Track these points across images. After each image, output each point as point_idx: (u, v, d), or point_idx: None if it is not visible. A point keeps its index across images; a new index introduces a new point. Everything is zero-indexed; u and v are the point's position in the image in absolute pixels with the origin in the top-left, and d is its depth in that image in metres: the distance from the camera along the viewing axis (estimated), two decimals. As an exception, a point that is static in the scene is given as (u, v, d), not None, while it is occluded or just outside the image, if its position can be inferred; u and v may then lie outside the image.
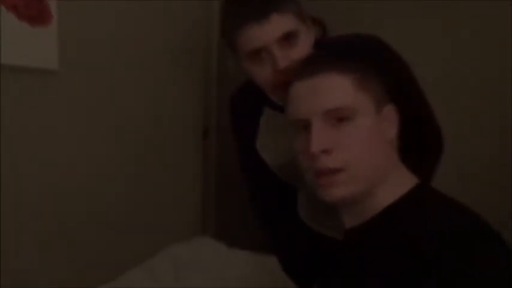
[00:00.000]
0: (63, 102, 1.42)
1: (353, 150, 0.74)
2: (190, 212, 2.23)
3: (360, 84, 0.76)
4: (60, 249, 1.44)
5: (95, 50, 1.52)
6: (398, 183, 0.78)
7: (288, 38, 0.90)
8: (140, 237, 1.82)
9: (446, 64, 2.03)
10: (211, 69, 2.33)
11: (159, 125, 1.90)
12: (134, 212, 1.78)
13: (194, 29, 2.13)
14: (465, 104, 1.99)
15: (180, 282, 1.66)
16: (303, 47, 0.93)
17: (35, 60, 1.30)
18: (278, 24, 0.89)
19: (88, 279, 1.54)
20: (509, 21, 1.92)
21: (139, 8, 1.71)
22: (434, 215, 0.73)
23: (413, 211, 0.74)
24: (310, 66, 0.80)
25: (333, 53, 0.86)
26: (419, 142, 1.01)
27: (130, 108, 1.72)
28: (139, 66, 1.75)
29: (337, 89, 0.75)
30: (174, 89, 1.98)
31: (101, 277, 1.57)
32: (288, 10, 0.89)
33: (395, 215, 0.75)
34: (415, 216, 0.73)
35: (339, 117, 0.74)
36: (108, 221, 1.64)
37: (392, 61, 1.01)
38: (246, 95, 1.11)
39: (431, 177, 1.04)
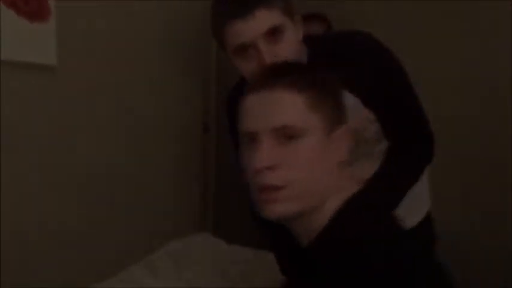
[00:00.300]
0: (61, 98, 1.41)
1: (297, 170, 0.74)
2: (189, 208, 2.23)
3: (313, 104, 0.75)
4: (60, 246, 1.44)
5: (93, 46, 1.52)
6: (343, 197, 0.79)
7: (274, 33, 0.91)
8: (140, 234, 1.82)
9: (447, 64, 2.03)
10: (211, 67, 2.32)
11: (158, 121, 1.89)
12: (134, 208, 1.77)
13: (194, 27, 2.12)
14: (465, 104, 1.99)
15: (180, 279, 1.66)
16: (289, 43, 0.94)
17: (34, 56, 1.29)
18: (263, 19, 0.90)
19: (88, 276, 1.54)
20: (510, 21, 1.92)
21: (139, 4, 1.70)
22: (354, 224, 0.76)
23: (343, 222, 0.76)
24: (265, 80, 0.78)
25: (294, 68, 0.84)
26: (406, 143, 1.03)
27: (129, 105, 1.71)
28: (139, 62, 1.75)
29: (288, 107, 0.74)
30: (174, 86, 1.98)
31: (101, 273, 1.57)
32: (273, 5, 0.90)
33: (337, 227, 0.76)
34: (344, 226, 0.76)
35: (288, 135, 0.74)
36: (107, 217, 1.64)
37: (380, 61, 1.02)
38: (240, 92, 1.12)
39: (416, 179, 1.04)
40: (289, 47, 0.94)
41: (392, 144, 1.06)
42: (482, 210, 1.99)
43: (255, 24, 0.90)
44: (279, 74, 0.78)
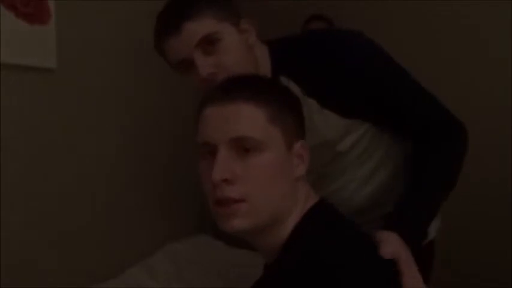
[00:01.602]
0: (61, 101, 1.42)
1: (255, 183, 0.71)
2: (189, 210, 2.23)
3: (273, 118, 0.73)
4: (60, 248, 1.44)
5: (93, 48, 1.52)
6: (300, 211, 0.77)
7: (209, 43, 0.88)
8: (139, 235, 1.81)
9: (447, 64, 2.03)
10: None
11: (157, 123, 1.89)
12: (133, 210, 1.77)
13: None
14: (465, 104, 1.99)
15: (180, 281, 1.66)
16: (230, 50, 0.90)
17: (34, 59, 1.29)
18: (192, 31, 0.88)
19: (88, 278, 1.53)
20: (510, 21, 1.92)
21: (138, 6, 1.71)
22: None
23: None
24: (225, 91, 0.75)
25: (252, 81, 0.81)
26: (432, 140, 0.94)
27: (129, 107, 1.71)
28: (138, 64, 1.75)
29: (248, 119, 0.72)
30: (173, 87, 1.98)
31: (100, 275, 1.57)
32: (202, 15, 0.88)
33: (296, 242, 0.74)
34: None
35: (246, 147, 0.71)
36: (107, 219, 1.64)
37: (371, 63, 0.93)
38: None
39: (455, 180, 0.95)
40: (231, 55, 0.89)
41: (418, 144, 0.97)
42: (482, 210, 1.99)
43: (185, 38, 0.88)
44: (239, 86, 0.75)
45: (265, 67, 0.97)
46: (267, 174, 0.72)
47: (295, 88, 0.92)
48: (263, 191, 0.72)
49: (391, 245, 0.76)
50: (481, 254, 1.99)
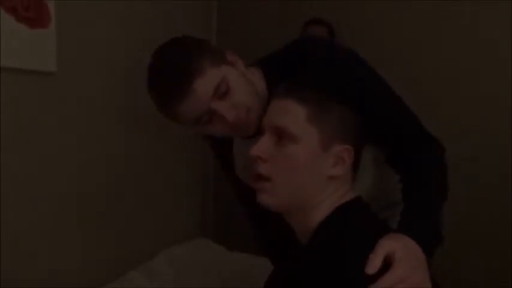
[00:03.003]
0: (61, 104, 1.42)
1: (281, 168, 0.83)
2: (189, 214, 2.23)
3: (313, 117, 0.83)
4: (59, 250, 1.44)
5: (93, 52, 1.52)
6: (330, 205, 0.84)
7: (220, 89, 0.89)
8: (140, 239, 1.81)
9: (447, 64, 2.04)
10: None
11: (159, 126, 1.89)
12: (134, 214, 1.77)
13: (193, 30, 2.13)
14: (465, 104, 1.99)
15: (180, 284, 1.66)
16: (238, 87, 0.92)
17: (34, 62, 1.29)
18: (204, 87, 0.88)
19: (88, 280, 1.53)
20: (510, 21, 1.92)
21: (138, 9, 1.71)
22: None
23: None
24: (284, 90, 0.88)
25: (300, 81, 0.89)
26: (409, 148, 0.96)
27: (129, 110, 1.71)
28: (138, 68, 1.74)
29: (291, 113, 0.83)
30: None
31: (100, 279, 1.57)
32: (205, 68, 0.88)
33: (320, 235, 0.82)
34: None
35: (284, 137, 0.83)
36: (107, 222, 1.64)
37: (339, 75, 0.94)
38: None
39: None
40: (241, 92, 0.92)
41: (392, 152, 0.99)
42: (482, 210, 1.99)
43: (200, 95, 0.88)
44: (294, 88, 0.87)
45: (260, 86, 1.00)
46: (292, 163, 0.82)
47: None
48: (285, 177, 0.83)
49: (391, 239, 0.75)
50: (481, 254, 2.00)
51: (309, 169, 0.83)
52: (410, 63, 2.05)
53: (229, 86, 0.90)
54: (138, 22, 1.72)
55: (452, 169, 0.99)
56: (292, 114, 0.83)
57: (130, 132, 1.73)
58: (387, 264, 0.71)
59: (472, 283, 1.96)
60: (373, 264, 0.70)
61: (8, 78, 1.23)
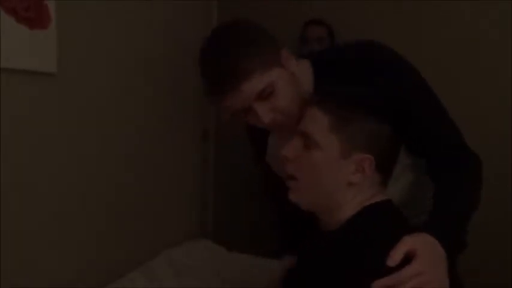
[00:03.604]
0: (61, 106, 1.41)
1: (305, 171, 0.90)
2: (189, 215, 2.23)
3: (335, 126, 0.87)
4: (59, 251, 1.44)
5: (93, 53, 1.52)
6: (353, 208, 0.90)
7: (264, 93, 0.92)
8: (140, 240, 1.81)
9: (446, 64, 2.04)
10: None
11: (158, 127, 1.90)
12: (133, 215, 1.77)
13: (193, 32, 2.13)
14: (464, 103, 1.99)
15: (180, 285, 1.66)
16: (283, 92, 0.94)
17: (34, 63, 1.29)
18: (250, 89, 0.91)
19: (87, 282, 1.53)
20: (510, 21, 1.93)
21: (138, 10, 1.71)
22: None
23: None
24: (316, 97, 0.94)
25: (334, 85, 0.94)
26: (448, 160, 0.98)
27: (129, 112, 1.71)
28: (138, 69, 1.75)
29: (315, 121, 0.89)
30: (173, 93, 1.98)
31: (100, 280, 1.57)
32: (255, 71, 0.90)
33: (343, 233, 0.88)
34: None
35: (309, 143, 0.89)
36: (107, 223, 1.64)
37: (402, 78, 0.98)
38: None
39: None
40: (284, 97, 0.95)
41: (431, 161, 1.02)
42: (481, 211, 1.99)
43: (244, 95, 0.92)
44: (323, 96, 0.93)
45: (306, 81, 1.02)
46: (314, 168, 0.89)
47: None
48: (308, 179, 0.90)
49: (414, 236, 0.78)
50: (481, 254, 2.00)
51: (329, 174, 0.89)
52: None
53: (274, 89, 0.93)
54: (138, 22, 1.72)
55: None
56: (317, 121, 0.89)
57: (130, 133, 1.73)
58: (408, 260, 0.75)
59: (472, 283, 1.96)
60: (394, 258, 0.75)
61: (8, 79, 1.23)
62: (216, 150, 2.45)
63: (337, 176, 0.89)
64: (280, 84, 0.93)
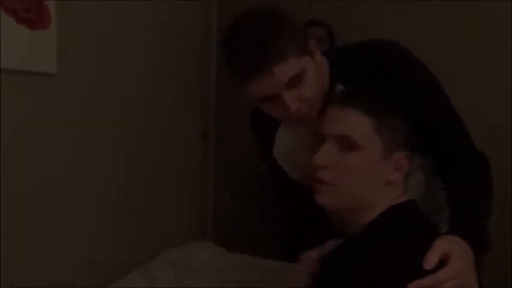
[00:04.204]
0: (62, 106, 1.42)
1: (346, 176, 0.87)
2: (188, 215, 2.23)
3: (377, 127, 0.86)
4: (59, 252, 1.44)
5: (93, 53, 1.52)
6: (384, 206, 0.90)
7: (295, 80, 0.90)
8: (140, 241, 1.81)
9: (447, 64, 2.03)
10: (211, 72, 2.33)
11: (158, 128, 1.90)
12: (133, 215, 1.77)
13: (193, 32, 2.13)
14: (464, 103, 1.99)
15: (180, 286, 1.66)
16: (311, 81, 0.92)
17: (34, 64, 1.29)
18: (282, 73, 0.88)
19: (87, 282, 1.53)
20: (510, 21, 1.92)
21: (138, 10, 1.71)
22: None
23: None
24: (344, 96, 0.92)
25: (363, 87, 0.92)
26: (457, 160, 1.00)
27: (130, 112, 1.71)
28: (139, 69, 1.75)
29: (356, 123, 0.87)
30: (173, 93, 1.98)
31: (99, 280, 1.57)
32: (288, 56, 0.87)
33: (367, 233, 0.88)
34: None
35: (349, 145, 0.86)
36: (107, 224, 1.64)
37: (416, 77, 0.98)
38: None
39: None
40: (312, 87, 0.93)
41: (441, 161, 1.03)
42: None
43: (275, 80, 0.88)
44: (357, 95, 0.90)
45: (326, 78, 1.01)
46: (355, 171, 0.87)
47: None
48: (348, 183, 0.87)
49: (448, 240, 0.80)
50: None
51: (370, 175, 0.88)
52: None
53: (304, 76, 0.91)
54: (138, 23, 1.72)
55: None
56: (356, 123, 0.87)
57: (130, 133, 1.73)
58: (442, 263, 0.77)
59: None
60: (431, 261, 0.76)
61: (8, 80, 1.23)
62: (216, 150, 2.45)
63: (377, 176, 0.88)
64: (309, 73, 0.92)
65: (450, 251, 0.78)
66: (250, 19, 0.93)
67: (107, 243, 1.64)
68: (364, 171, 0.87)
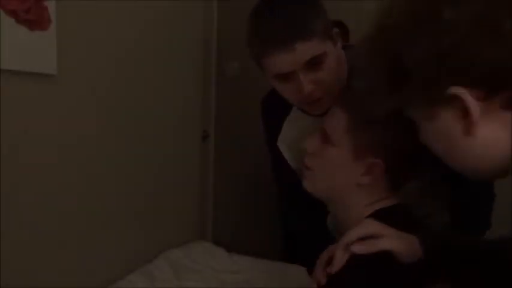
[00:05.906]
0: (62, 107, 1.41)
1: (319, 165, 0.94)
2: (188, 216, 2.23)
3: (352, 127, 0.89)
4: (59, 252, 1.44)
5: (94, 54, 1.52)
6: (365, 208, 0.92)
7: (315, 62, 0.90)
8: (139, 242, 1.81)
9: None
10: (211, 72, 2.33)
11: (158, 128, 1.89)
12: (133, 216, 1.77)
13: (194, 31, 2.13)
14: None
15: (180, 287, 1.66)
16: (329, 68, 0.93)
17: (34, 65, 1.29)
18: (304, 51, 0.88)
19: (87, 283, 1.53)
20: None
21: (138, 10, 1.71)
22: None
23: None
24: (342, 94, 0.95)
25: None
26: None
27: (130, 112, 1.71)
28: (139, 70, 1.75)
29: (335, 120, 0.92)
30: (173, 93, 1.98)
31: (99, 281, 1.57)
32: (313, 35, 0.88)
33: None
34: None
35: (326, 138, 0.92)
36: (106, 225, 1.63)
37: None
38: (277, 97, 1.10)
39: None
40: (330, 73, 0.93)
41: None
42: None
43: (296, 57, 0.89)
44: (345, 95, 0.93)
45: (344, 70, 1.02)
46: (325, 162, 0.93)
47: None
48: (321, 172, 0.94)
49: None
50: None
51: (339, 172, 0.92)
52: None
53: (323, 60, 0.91)
54: (138, 23, 1.72)
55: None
56: (336, 120, 0.91)
57: (130, 133, 1.72)
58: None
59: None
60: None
61: (8, 81, 1.23)
62: (216, 150, 2.44)
63: (346, 175, 0.91)
64: (330, 59, 0.92)
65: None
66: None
67: (106, 243, 1.64)
68: (334, 166, 0.92)
